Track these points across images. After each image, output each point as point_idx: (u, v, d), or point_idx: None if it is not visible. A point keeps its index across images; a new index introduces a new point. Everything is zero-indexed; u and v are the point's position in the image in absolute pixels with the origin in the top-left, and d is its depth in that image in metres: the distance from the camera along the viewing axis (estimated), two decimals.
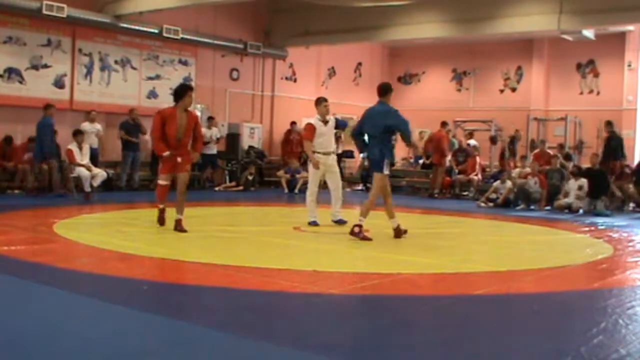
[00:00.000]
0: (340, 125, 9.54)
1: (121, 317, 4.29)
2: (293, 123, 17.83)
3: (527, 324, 4.44)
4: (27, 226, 8.30)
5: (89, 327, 4.02)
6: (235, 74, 17.82)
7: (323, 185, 9.45)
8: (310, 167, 9.25)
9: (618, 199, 13.39)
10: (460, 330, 4.24)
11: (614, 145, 14.35)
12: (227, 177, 16.65)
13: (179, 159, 7.90)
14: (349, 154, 18.59)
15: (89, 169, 12.26)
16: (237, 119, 17.79)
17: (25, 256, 6.24)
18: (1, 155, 12.94)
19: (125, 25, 14.72)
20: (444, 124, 16.46)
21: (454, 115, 19.07)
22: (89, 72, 14.67)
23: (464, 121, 19.17)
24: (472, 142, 17.36)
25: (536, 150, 15.68)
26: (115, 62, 15.13)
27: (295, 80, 19.38)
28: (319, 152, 9.11)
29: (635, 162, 15.49)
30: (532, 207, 13.16)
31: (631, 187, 13.62)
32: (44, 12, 13.10)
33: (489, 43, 19.48)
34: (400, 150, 17.02)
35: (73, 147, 12.40)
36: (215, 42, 16.71)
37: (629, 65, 18.08)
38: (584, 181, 12.84)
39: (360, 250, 7.72)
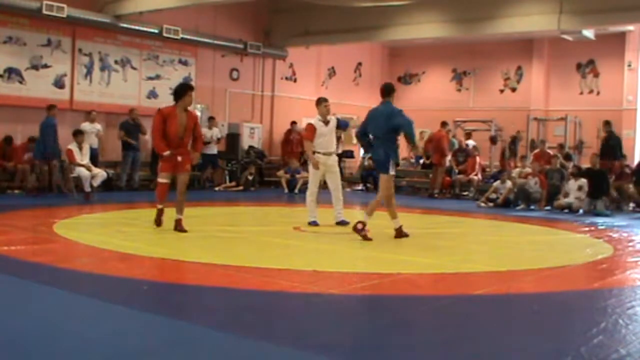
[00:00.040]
0: (341, 125, 9.52)
1: (121, 317, 4.29)
2: (293, 123, 17.84)
3: (527, 324, 4.44)
4: (27, 226, 8.30)
5: (89, 327, 4.02)
6: (235, 74, 17.82)
7: (323, 186, 9.44)
8: (311, 167, 9.25)
9: (614, 199, 13.36)
10: (460, 330, 4.24)
11: (612, 145, 14.34)
12: (227, 177, 16.66)
13: (179, 158, 7.89)
14: (349, 154, 18.60)
15: (89, 169, 12.26)
16: (237, 119, 17.79)
17: (25, 256, 6.24)
18: (1, 155, 12.94)
19: (125, 25, 14.72)
20: (444, 124, 16.46)
21: (454, 115, 19.08)
22: (89, 72, 14.67)
23: (464, 121, 19.17)
24: (471, 142, 17.36)
25: (536, 150, 15.68)
26: (115, 62, 15.13)
27: (295, 80, 19.39)
28: (319, 153, 9.10)
29: (635, 162, 15.49)
30: (532, 207, 13.16)
31: (631, 187, 13.61)
32: (44, 12, 13.11)
33: (489, 43, 19.48)
34: (401, 150, 17.01)
35: (73, 147, 12.40)
36: (215, 42, 16.71)
37: (629, 65, 18.09)
38: (584, 181, 12.83)
39: (360, 250, 7.72)
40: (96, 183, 12.36)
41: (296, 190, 15.82)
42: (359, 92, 21.05)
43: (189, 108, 8.12)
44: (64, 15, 13.40)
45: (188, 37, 15.92)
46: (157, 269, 6.15)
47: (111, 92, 15.02)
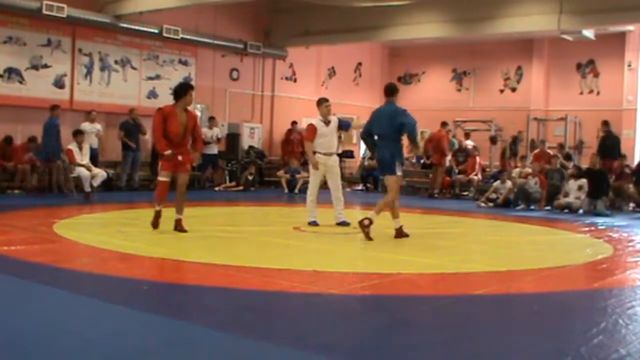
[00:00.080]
0: (343, 126, 9.49)
1: (121, 317, 4.29)
2: (294, 123, 17.84)
3: (527, 324, 4.44)
4: (27, 226, 8.30)
5: (89, 327, 4.02)
6: (235, 74, 17.82)
7: (323, 186, 9.43)
8: (311, 167, 9.25)
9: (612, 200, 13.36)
10: (460, 330, 4.24)
11: (609, 145, 14.33)
12: (227, 177, 16.66)
13: (179, 158, 7.88)
14: (349, 154, 18.60)
15: (89, 169, 12.26)
16: (237, 119, 17.79)
17: (25, 256, 6.24)
18: (1, 155, 12.94)
19: (125, 25, 14.72)
20: (444, 124, 16.47)
21: (454, 115, 19.08)
22: (89, 72, 14.67)
23: (464, 121, 19.18)
24: (469, 142, 17.35)
25: (536, 151, 15.68)
26: (115, 62, 15.13)
27: (295, 80, 19.39)
28: (320, 153, 9.09)
29: (635, 162, 15.49)
30: (532, 207, 13.16)
31: (631, 187, 13.61)
32: (44, 12, 13.11)
33: (489, 43, 19.49)
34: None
35: (73, 147, 12.40)
36: (215, 42, 16.71)
37: (629, 65, 18.09)
38: (583, 181, 12.84)
39: (360, 250, 7.73)
40: (96, 183, 12.36)
41: (296, 190, 15.82)
42: (359, 92, 21.06)
43: (189, 108, 8.12)
44: (64, 15, 13.40)
45: (188, 37, 15.93)
46: (157, 269, 6.15)
47: (111, 92, 15.02)
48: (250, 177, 16.19)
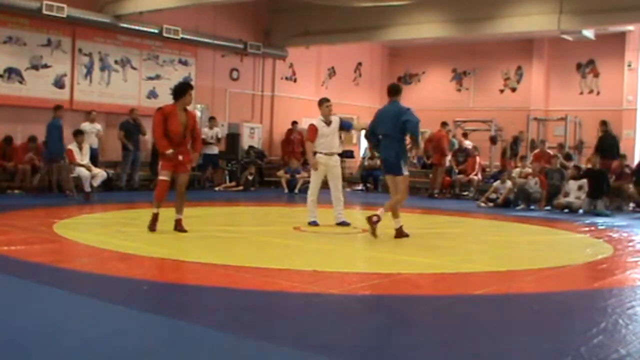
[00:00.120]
0: (344, 126, 9.48)
1: (121, 317, 4.29)
2: (294, 123, 17.83)
3: (527, 324, 4.44)
4: (27, 226, 8.30)
5: (89, 327, 4.02)
6: (235, 74, 17.82)
7: (324, 185, 9.42)
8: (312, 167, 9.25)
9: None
10: (460, 330, 4.24)
11: (607, 145, 14.31)
12: (227, 177, 16.66)
13: (180, 157, 7.88)
14: (349, 154, 18.60)
15: (89, 169, 12.26)
16: (237, 119, 17.79)
17: (25, 256, 6.24)
18: (1, 155, 12.94)
19: (125, 25, 14.72)
20: (444, 124, 16.47)
21: (454, 115, 19.08)
22: (89, 72, 14.67)
23: (464, 121, 19.18)
24: (468, 142, 17.34)
25: (536, 151, 15.68)
26: (115, 62, 15.13)
27: (295, 80, 19.39)
28: (321, 153, 9.08)
29: (635, 162, 15.48)
30: (532, 207, 13.16)
31: (631, 187, 13.61)
32: (44, 12, 13.11)
33: (489, 43, 19.49)
34: None
35: (73, 147, 12.40)
36: (215, 42, 16.71)
37: (629, 65, 18.09)
38: (584, 181, 12.84)
39: (360, 250, 7.74)
40: (96, 183, 12.37)
41: (296, 190, 15.82)
42: (359, 92, 21.07)
43: (189, 108, 8.12)
44: (64, 15, 13.40)
45: (188, 37, 15.92)
46: (157, 269, 6.15)
47: (111, 92, 15.02)
48: (250, 177, 16.19)
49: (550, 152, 15.11)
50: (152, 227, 7.74)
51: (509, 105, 19.60)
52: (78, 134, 12.64)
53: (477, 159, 16.32)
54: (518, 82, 19.94)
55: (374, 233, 7.71)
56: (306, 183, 14.63)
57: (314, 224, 8.97)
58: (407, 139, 8.16)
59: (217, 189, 15.85)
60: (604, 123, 14.75)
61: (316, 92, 18.85)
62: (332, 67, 20.44)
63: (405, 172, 7.97)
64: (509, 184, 13.56)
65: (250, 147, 17.71)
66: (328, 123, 9.11)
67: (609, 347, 3.82)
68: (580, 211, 12.58)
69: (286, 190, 16.04)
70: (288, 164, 16.86)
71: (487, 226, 10.69)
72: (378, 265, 6.57)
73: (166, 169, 7.86)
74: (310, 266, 5.99)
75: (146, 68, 15.70)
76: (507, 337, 4.14)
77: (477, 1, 15.12)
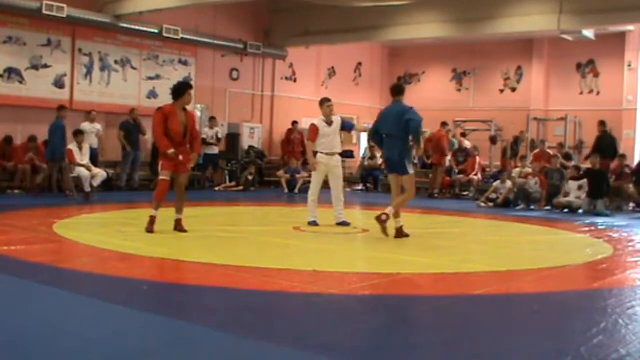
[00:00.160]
0: (346, 127, 9.48)
1: (121, 317, 4.29)
2: (295, 123, 17.83)
3: (527, 324, 4.43)
4: (27, 226, 8.29)
5: (89, 327, 4.02)
6: (235, 74, 17.82)
7: (325, 185, 9.41)
8: (312, 167, 9.24)
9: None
10: (460, 330, 4.24)
11: (606, 145, 14.30)
12: (227, 177, 16.66)
13: (180, 157, 7.88)
14: (349, 154, 18.58)
15: (88, 169, 12.26)
16: (237, 119, 17.80)
17: (25, 256, 6.24)
18: (1, 155, 12.94)
19: (125, 25, 14.72)
20: (444, 124, 16.47)
21: (454, 115, 19.08)
22: (89, 72, 14.67)
23: (464, 121, 19.18)
24: (466, 142, 17.32)
25: (536, 151, 15.68)
26: (115, 62, 15.14)
27: (295, 80, 19.39)
28: (322, 153, 9.08)
29: (635, 162, 15.48)
30: (532, 207, 13.16)
31: (631, 187, 13.62)
32: (44, 12, 13.11)
33: (489, 43, 19.49)
34: None
35: (73, 147, 12.41)
36: (215, 42, 16.71)
37: (629, 65, 18.09)
38: (584, 181, 12.84)
39: (360, 250, 7.74)
40: (96, 183, 12.37)
41: (296, 190, 15.82)
42: (359, 92, 21.07)
43: (189, 107, 8.12)
44: (64, 15, 13.40)
45: (188, 37, 15.93)
46: (157, 269, 6.14)
47: (111, 92, 15.02)
48: (250, 177, 16.19)
49: (550, 152, 15.11)
50: (150, 229, 7.72)
51: (509, 105, 19.60)
52: (78, 134, 12.64)
53: (477, 159, 16.32)
54: (518, 82, 19.95)
55: (384, 232, 7.76)
56: (306, 183, 14.64)
57: (314, 224, 8.97)
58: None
59: (217, 189, 15.86)
60: (602, 123, 14.75)
61: (316, 92, 18.86)
62: (332, 67, 20.44)
63: (411, 171, 8.03)
64: (509, 184, 13.56)
65: (250, 147, 17.71)
66: (329, 123, 9.10)
67: (609, 347, 3.82)
68: (580, 211, 12.59)
69: (286, 190, 16.04)
70: (288, 164, 16.86)
71: (487, 226, 10.69)
72: (378, 265, 6.57)
73: (167, 168, 7.84)
74: (310, 266, 5.99)
75: (146, 68, 15.70)
76: (507, 337, 4.14)
77: (477, 1, 15.12)
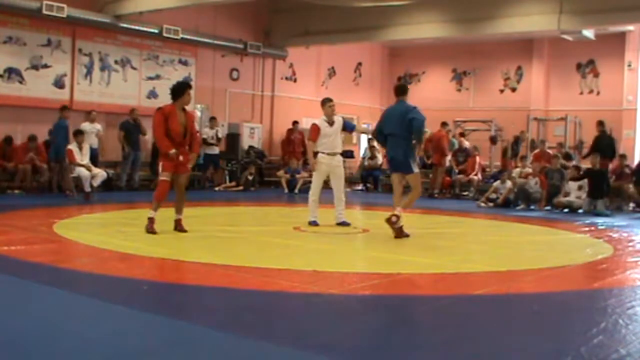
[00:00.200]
0: (347, 127, 9.47)
1: (121, 317, 4.29)
2: (295, 122, 17.83)
3: (527, 324, 4.44)
4: (27, 226, 8.29)
5: (89, 327, 4.02)
6: (235, 74, 17.83)
7: (326, 185, 9.40)
8: (312, 167, 9.23)
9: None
10: (460, 330, 4.23)
11: (604, 145, 14.30)
12: (227, 177, 16.66)
13: (181, 158, 7.87)
14: (349, 154, 18.58)
15: (88, 169, 12.26)
16: (237, 119, 17.80)
17: (25, 256, 6.24)
18: (1, 155, 12.94)
19: (125, 25, 14.72)
20: (444, 124, 16.47)
21: (454, 115, 19.08)
22: (89, 72, 14.67)
23: (464, 121, 19.18)
24: (465, 143, 17.31)
25: (536, 151, 15.68)
26: (115, 62, 15.14)
27: (295, 80, 19.39)
28: (323, 153, 9.08)
29: (635, 162, 15.48)
30: (532, 207, 13.16)
31: (631, 187, 13.62)
32: (44, 12, 13.11)
33: (489, 43, 19.49)
34: None
35: (73, 147, 12.40)
36: (215, 42, 16.71)
37: (629, 65, 18.10)
38: (583, 180, 12.84)
39: (360, 250, 7.74)
40: (96, 183, 12.36)
41: (296, 190, 15.83)
42: (359, 92, 21.06)
43: (188, 107, 8.11)
44: (64, 15, 13.40)
45: (188, 37, 15.93)
46: (157, 269, 6.14)
47: (111, 92, 15.02)
48: (250, 177, 16.19)
49: (550, 152, 15.11)
50: (152, 229, 7.70)
51: (509, 105, 19.61)
52: (78, 134, 12.63)
53: (477, 159, 16.32)
54: (518, 82, 19.95)
55: (398, 232, 7.82)
56: (306, 183, 14.65)
57: (314, 223, 8.97)
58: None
59: (217, 189, 15.86)
60: (600, 123, 14.75)
61: (316, 92, 18.87)
62: (332, 67, 20.44)
63: (416, 170, 8.07)
64: (509, 184, 13.56)
65: (250, 147, 17.71)
66: (331, 123, 9.09)
67: (609, 347, 3.82)
68: (580, 211, 12.59)
69: (286, 190, 16.04)
70: (288, 164, 16.86)
71: (487, 226, 10.69)
72: (378, 265, 6.57)
73: (167, 169, 7.83)
74: (310, 266, 5.99)
75: (146, 68, 15.70)
76: (507, 337, 4.14)
77: (477, 1, 15.12)
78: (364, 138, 19.71)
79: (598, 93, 18.69)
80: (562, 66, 19.20)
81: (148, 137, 14.34)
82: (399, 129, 7.90)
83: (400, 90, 8.24)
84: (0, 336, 3.73)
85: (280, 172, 16.64)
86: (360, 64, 21.34)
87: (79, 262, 6.34)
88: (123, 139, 14.32)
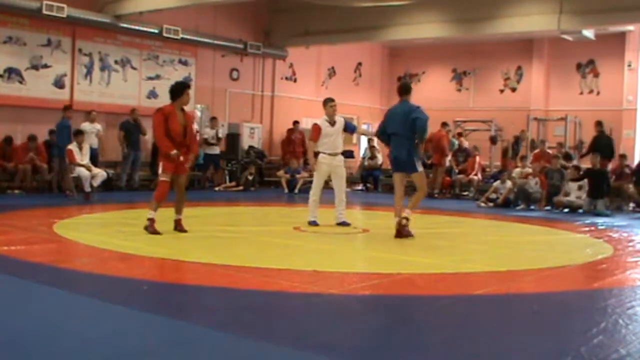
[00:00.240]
0: (348, 128, 9.47)
1: (121, 317, 4.29)
2: (295, 122, 17.82)
3: (527, 324, 4.44)
4: (27, 226, 8.29)
5: (89, 327, 4.02)
6: (235, 74, 17.82)
7: (325, 185, 9.40)
8: (316, 166, 9.22)
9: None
10: (460, 330, 4.23)
11: (603, 145, 14.29)
12: (227, 177, 16.66)
13: (181, 158, 7.87)
14: (348, 154, 18.57)
15: (88, 169, 12.26)
16: (237, 119, 17.80)
17: (25, 256, 6.24)
18: (1, 155, 12.94)
19: (125, 25, 14.72)
20: (444, 124, 16.46)
21: (454, 115, 19.07)
22: (89, 72, 14.67)
23: (464, 121, 19.17)
24: (465, 143, 17.29)
25: (536, 151, 15.68)
26: (115, 62, 15.14)
27: (295, 80, 19.39)
28: (324, 153, 9.07)
29: (635, 162, 15.48)
30: (532, 207, 13.16)
31: (631, 187, 13.62)
32: (44, 12, 13.11)
33: (489, 43, 19.49)
34: None
35: (73, 147, 12.39)
36: (215, 42, 16.71)
37: (629, 65, 18.09)
38: (583, 180, 12.84)
39: (360, 250, 7.74)
40: (96, 183, 12.36)
41: (296, 190, 15.82)
42: (359, 92, 21.06)
43: (188, 107, 8.11)
44: (64, 15, 13.40)
45: (188, 37, 15.93)
46: (157, 269, 6.14)
47: (111, 92, 15.02)
48: (250, 177, 16.19)
49: (550, 152, 15.11)
50: (154, 230, 7.69)
51: (509, 105, 19.60)
52: (78, 134, 12.63)
53: (477, 159, 16.32)
54: (518, 82, 19.95)
55: (409, 235, 7.89)
56: (306, 183, 14.65)
57: (314, 223, 8.96)
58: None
59: (217, 189, 15.86)
60: (599, 123, 14.75)
61: (316, 92, 18.88)
62: (332, 67, 20.44)
63: (420, 168, 8.08)
64: (509, 184, 13.56)
65: (250, 147, 17.71)
66: (332, 123, 9.09)
67: (609, 347, 3.82)
68: (580, 211, 12.59)
69: (286, 190, 16.04)
70: (288, 164, 16.86)
71: (487, 226, 10.69)
72: (378, 265, 6.57)
73: (168, 170, 7.82)
74: (310, 266, 5.99)
75: (146, 68, 15.70)
76: (507, 337, 4.14)
77: (477, 1, 15.12)
78: (364, 138, 19.70)
79: (598, 93, 18.69)
80: (562, 66, 19.20)
81: (148, 137, 14.34)
82: (403, 128, 7.90)
83: (404, 89, 8.23)
84: (0, 336, 3.73)
85: (280, 172, 16.64)
86: (360, 64, 21.35)
87: (79, 262, 6.34)
88: (123, 139, 14.33)
